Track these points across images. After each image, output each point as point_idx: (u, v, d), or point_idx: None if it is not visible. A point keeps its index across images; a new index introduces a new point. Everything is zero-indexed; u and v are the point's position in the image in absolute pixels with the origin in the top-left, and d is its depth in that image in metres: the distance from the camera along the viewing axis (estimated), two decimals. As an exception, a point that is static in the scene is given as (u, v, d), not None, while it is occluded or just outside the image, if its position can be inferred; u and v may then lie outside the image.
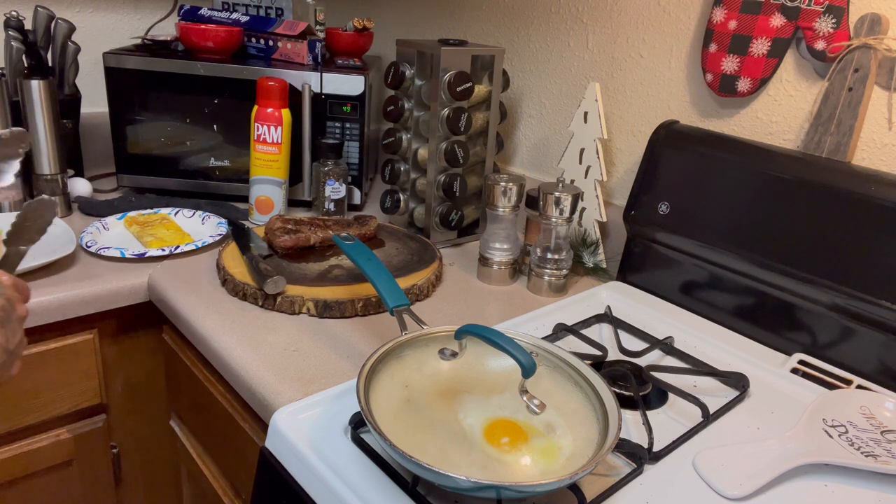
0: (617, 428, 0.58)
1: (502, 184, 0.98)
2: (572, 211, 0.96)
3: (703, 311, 0.95)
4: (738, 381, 0.78)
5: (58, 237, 1.00)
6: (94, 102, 1.33)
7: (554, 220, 0.96)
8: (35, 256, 0.94)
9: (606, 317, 0.92)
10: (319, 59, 1.25)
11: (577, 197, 0.96)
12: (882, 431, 0.69)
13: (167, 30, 1.37)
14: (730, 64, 0.95)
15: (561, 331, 0.86)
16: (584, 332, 0.87)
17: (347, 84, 1.20)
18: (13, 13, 1.09)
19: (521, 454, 0.60)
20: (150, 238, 1.06)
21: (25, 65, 1.11)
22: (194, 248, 1.03)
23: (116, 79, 1.17)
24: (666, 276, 0.99)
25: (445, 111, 1.06)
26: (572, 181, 1.11)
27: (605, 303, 0.96)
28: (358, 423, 0.64)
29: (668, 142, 0.99)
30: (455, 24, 1.41)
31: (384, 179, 1.19)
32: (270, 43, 1.27)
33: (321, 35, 1.30)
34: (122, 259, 1.00)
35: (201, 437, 1.00)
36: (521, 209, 1.03)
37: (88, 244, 1.01)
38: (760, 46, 0.92)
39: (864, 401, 0.74)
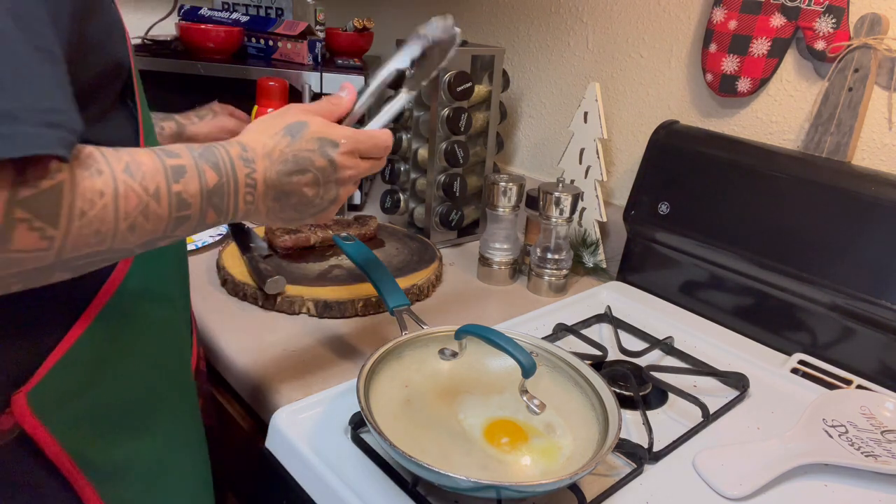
0: (617, 428, 0.58)
1: (502, 184, 0.98)
2: (572, 211, 0.96)
3: (703, 311, 0.95)
4: (738, 381, 0.78)
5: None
6: (94, 102, 1.33)
7: (554, 220, 0.96)
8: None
9: (606, 317, 0.92)
10: (319, 59, 1.25)
11: (577, 197, 0.96)
12: (882, 431, 0.69)
13: (167, 30, 1.37)
14: (730, 64, 0.95)
15: (561, 331, 0.86)
16: (584, 332, 0.87)
17: (347, 84, 1.19)
18: (13, 13, 1.09)
19: (521, 454, 0.60)
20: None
21: (25, 65, 1.11)
22: (194, 248, 1.03)
23: (116, 79, 1.17)
24: (666, 276, 0.99)
25: (445, 111, 1.06)
26: (572, 181, 1.11)
27: (605, 303, 0.96)
28: (358, 423, 0.64)
29: (668, 142, 0.99)
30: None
31: (384, 179, 1.19)
32: (270, 43, 1.27)
33: (321, 35, 1.30)
34: (122, 259, 1.00)
35: (201, 437, 1.00)
36: (521, 209, 1.03)
37: (88, 244, 1.01)
38: (760, 46, 0.92)
39: (864, 401, 0.74)
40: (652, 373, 0.76)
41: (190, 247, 1.02)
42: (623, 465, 0.64)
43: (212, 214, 0.48)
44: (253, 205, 0.51)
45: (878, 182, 0.81)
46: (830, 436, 0.68)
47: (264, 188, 0.51)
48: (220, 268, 0.95)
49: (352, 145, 0.55)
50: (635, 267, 1.03)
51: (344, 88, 0.61)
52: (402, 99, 0.63)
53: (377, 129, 0.60)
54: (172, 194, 0.44)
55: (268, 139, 0.52)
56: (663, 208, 0.98)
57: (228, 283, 0.92)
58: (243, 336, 0.82)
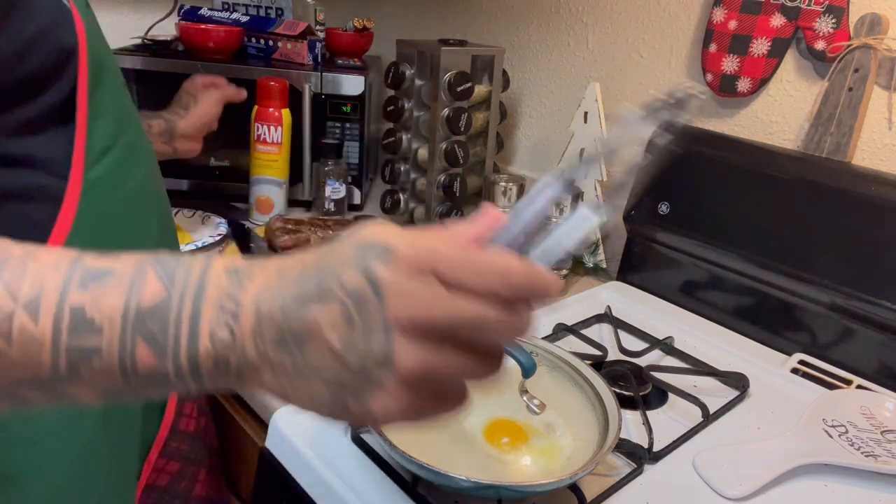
0: (617, 428, 0.58)
1: (502, 184, 0.98)
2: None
3: (703, 311, 0.95)
4: (738, 381, 0.78)
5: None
6: (94, 102, 1.33)
7: (554, 220, 0.96)
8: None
9: (606, 317, 0.92)
10: (319, 59, 1.25)
11: (577, 197, 0.96)
12: (882, 431, 0.69)
13: (167, 30, 1.37)
14: (730, 64, 0.95)
15: (561, 331, 0.86)
16: (584, 332, 0.87)
17: (347, 84, 1.20)
18: (13, 13, 1.09)
19: (522, 454, 0.60)
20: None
21: (25, 65, 1.11)
22: (194, 248, 1.03)
23: (116, 79, 1.17)
24: (666, 276, 0.99)
25: (445, 111, 1.06)
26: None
27: (605, 303, 0.96)
28: (358, 423, 0.64)
29: (668, 142, 0.99)
30: (455, 24, 1.41)
31: (384, 179, 1.19)
32: (270, 43, 1.27)
33: (321, 35, 1.30)
34: (122, 259, 0.99)
35: (201, 437, 1.00)
36: (521, 209, 1.02)
37: (88, 244, 1.00)
38: (760, 46, 0.92)
39: (864, 401, 0.74)
40: (652, 373, 0.76)
41: (190, 247, 1.02)
42: (623, 465, 0.64)
43: (144, 350, 0.28)
44: (235, 347, 0.29)
45: (878, 182, 0.81)
46: (830, 436, 0.68)
47: (256, 321, 0.29)
48: (220, 268, 0.95)
49: (420, 255, 0.29)
50: (635, 267, 1.03)
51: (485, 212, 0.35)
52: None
53: (505, 252, 0.32)
54: (65, 305, 0.28)
55: (295, 255, 0.32)
56: (663, 208, 0.98)
57: (228, 283, 0.92)
58: (243, 336, 0.81)
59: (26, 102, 0.45)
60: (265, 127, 1.12)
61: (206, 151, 1.23)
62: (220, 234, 1.07)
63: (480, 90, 1.12)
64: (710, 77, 0.98)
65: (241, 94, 1.00)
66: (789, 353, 0.85)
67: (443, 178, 1.10)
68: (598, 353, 0.81)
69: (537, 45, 1.26)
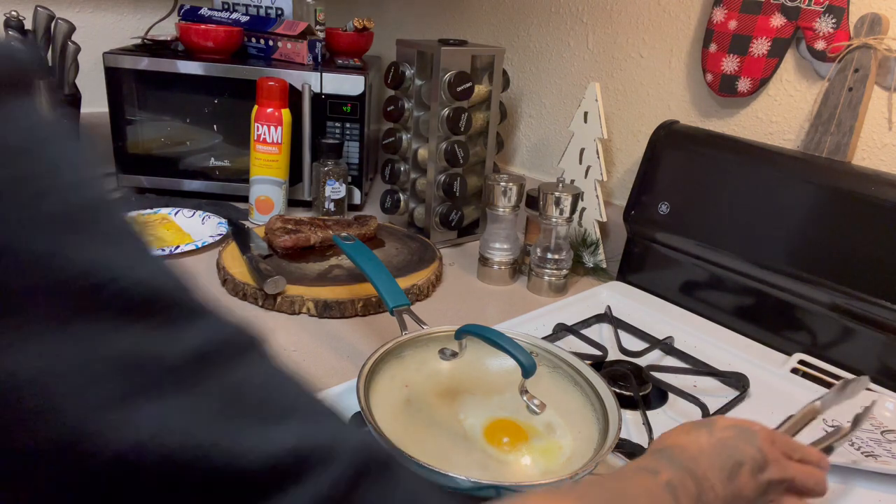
0: (617, 428, 0.58)
1: (502, 184, 0.98)
2: (572, 211, 0.96)
3: (703, 311, 0.95)
4: (738, 381, 0.78)
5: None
6: (94, 102, 1.33)
7: (554, 220, 0.96)
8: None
9: (606, 317, 0.92)
10: (319, 59, 1.25)
11: (577, 197, 0.96)
12: (882, 431, 0.69)
13: (167, 30, 1.37)
14: (730, 64, 0.95)
15: (561, 331, 0.86)
16: (584, 332, 0.87)
17: (347, 84, 1.20)
18: (13, 13, 1.09)
19: (522, 454, 0.60)
20: (149, 238, 1.06)
21: (25, 65, 1.11)
22: (194, 248, 1.03)
23: (116, 78, 1.17)
24: (666, 276, 0.99)
25: (445, 111, 1.06)
26: (572, 181, 1.11)
27: (605, 303, 0.96)
28: (358, 424, 0.64)
29: (668, 142, 0.99)
30: (455, 24, 1.41)
31: (384, 179, 1.19)
32: (270, 43, 1.27)
33: (321, 35, 1.30)
34: (122, 259, 1.00)
35: (201, 437, 1.00)
36: (521, 209, 1.03)
37: (88, 244, 1.00)
38: (760, 46, 0.92)
39: (864, 401, 0.74)
40: (652, 373, 0.76)
41: (190, 247, 1.02)
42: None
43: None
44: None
45: (878, 182, 0.81)
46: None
47: (713, 496, 0.44)
48: (220, 268, 0.95)
49: (769, 434, 0.50)
50: (635, 267, 1.03)
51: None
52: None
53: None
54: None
55: (685, 436, 0.48)
56: (663, 208, 0.98)
57: (228, 283, 0.92)
58: (243, 336, 0.81)
59: None
60: (265, 127, 1.12)
61: (206, 151, 1.23)
62: (220, 234, 1.07)
63: (480, 90, 1.12)
64: (710, 77, 0.98)
65: None
66: (789, 353, 0.85)
67: (443, 178, 1.10)
68: (598, 353, 0.81)
69: (537, 45, 1.26)
